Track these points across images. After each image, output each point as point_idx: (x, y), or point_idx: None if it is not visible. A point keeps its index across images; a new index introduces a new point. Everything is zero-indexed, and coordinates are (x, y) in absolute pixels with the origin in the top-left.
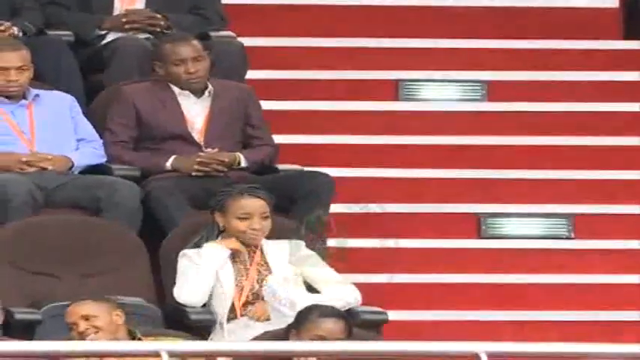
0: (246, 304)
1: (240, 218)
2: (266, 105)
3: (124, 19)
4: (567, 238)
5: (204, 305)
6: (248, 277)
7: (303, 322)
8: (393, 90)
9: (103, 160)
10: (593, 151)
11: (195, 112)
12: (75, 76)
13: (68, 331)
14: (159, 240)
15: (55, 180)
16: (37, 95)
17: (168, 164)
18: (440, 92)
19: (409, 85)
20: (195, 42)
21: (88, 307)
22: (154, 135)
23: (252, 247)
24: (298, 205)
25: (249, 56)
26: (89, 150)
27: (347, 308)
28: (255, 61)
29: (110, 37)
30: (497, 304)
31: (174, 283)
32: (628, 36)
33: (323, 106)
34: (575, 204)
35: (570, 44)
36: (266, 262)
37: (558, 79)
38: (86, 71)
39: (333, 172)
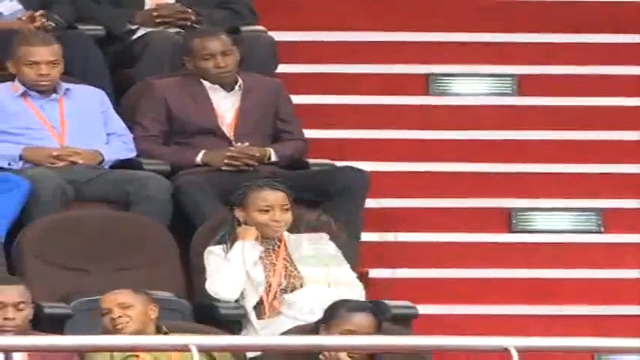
0: (274, 299)
1: (261, 211)
2: (296, 99)
3: (154, 14)
4: (597, 232)
5: (236, 301)
6: (275, 273)
7: (332, 316)
8: (424, 84)
9: (133, 154)
10: (624, 145)
11: (226, 106)
12: (102, 71)
13: (100, 317)
14: (189, 234)
15: (85, 174)
16: (67, 89)
17: (198, 159)
18: (470, 86)
19: (440, 79)
20: (224, 36)
21: (126, 296)
22: (184, 129)
23: (275, 239)
24: (334, 201)
25: (280, 50)
26: (119, 144)
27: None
28: (285, 55)
29: (141, 32)
30: (528, 298)
31: (204, 277)
32: None
33: (353, 101)
34: (605, 198)
35: (602, 38)
36: (290, 258)
37: (589, 73)
38: (116, 66)
39: (363, 166)
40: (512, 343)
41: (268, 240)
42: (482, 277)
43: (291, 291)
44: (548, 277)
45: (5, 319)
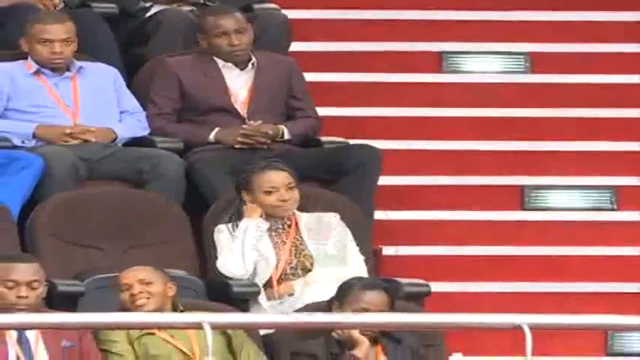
0: (283, 278)
1: (267, 192)
2: (309, 77)
3: None
4: (611, 209)
5: (248, 279)
6: (284, 251)
7: (345, 294)
8: (437, 62)
9: (146, 132)
10: (638, 122)
11: (239, 84)
12: (112, 50)
13: (115, 294)
14: (202, 212)
15: (99, 152)
16: (81, 67)
17: (212, 136)
18: (483, 64)
19: (453, 57)
20: (238, 14)
21: (146, 273)
22: (197, 107)
23: (284, 219)
24: (348, 178)
25: (293, 28)
26: (132, 122)
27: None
28: (298, 33)
29: (154, 10)
30: (541, 275)
31: (217, 255)
32: None
33: (366, 78)
34: (619, 176)
35: (615, 15)
36: (301, 237)
37: (602, 51)
38: (130, 44)
39: (376, 144)
40: (525, 320)
41: (276, 219)
42: (496, 255)
43: (302, 269)
44: (562, 254)
45: (19, 297)
